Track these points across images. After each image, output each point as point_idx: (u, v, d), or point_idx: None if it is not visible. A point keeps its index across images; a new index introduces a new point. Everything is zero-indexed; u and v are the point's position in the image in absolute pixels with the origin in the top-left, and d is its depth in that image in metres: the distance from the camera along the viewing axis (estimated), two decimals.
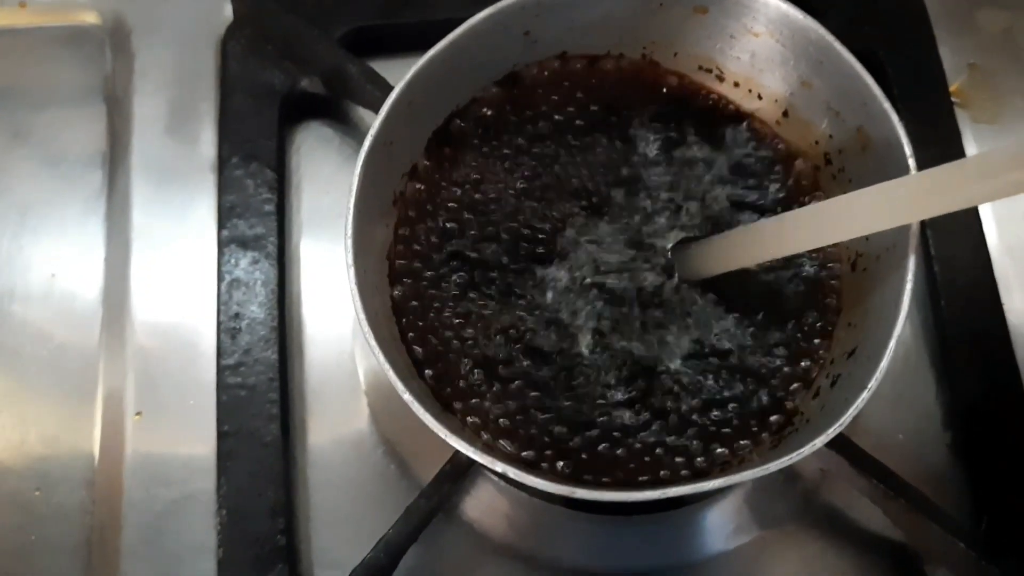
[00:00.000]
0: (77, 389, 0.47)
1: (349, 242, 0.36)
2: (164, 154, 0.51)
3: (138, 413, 0.46)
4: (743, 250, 0.39)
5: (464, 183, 0.42)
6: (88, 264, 0.49)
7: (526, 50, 0.42)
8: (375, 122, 0.37)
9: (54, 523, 0.45)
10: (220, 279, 0.46)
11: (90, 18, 0.53)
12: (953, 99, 0.51)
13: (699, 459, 0.38)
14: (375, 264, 0.40)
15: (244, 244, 0.47)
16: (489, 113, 0.43)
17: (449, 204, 0.42)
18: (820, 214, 0.36)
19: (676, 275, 0.41)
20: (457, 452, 0.42)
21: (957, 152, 0.49)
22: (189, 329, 0.48)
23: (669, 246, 0.41)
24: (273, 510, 0.43)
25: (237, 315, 0.46)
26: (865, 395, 0.34)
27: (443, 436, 0.34)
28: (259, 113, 0.49)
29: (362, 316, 0.35)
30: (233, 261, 0.47)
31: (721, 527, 0.45)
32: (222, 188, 0.48)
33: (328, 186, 0.51)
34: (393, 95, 0.38)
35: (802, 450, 0.34)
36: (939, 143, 0.49)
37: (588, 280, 0.41)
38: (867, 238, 0.39)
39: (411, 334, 0.40)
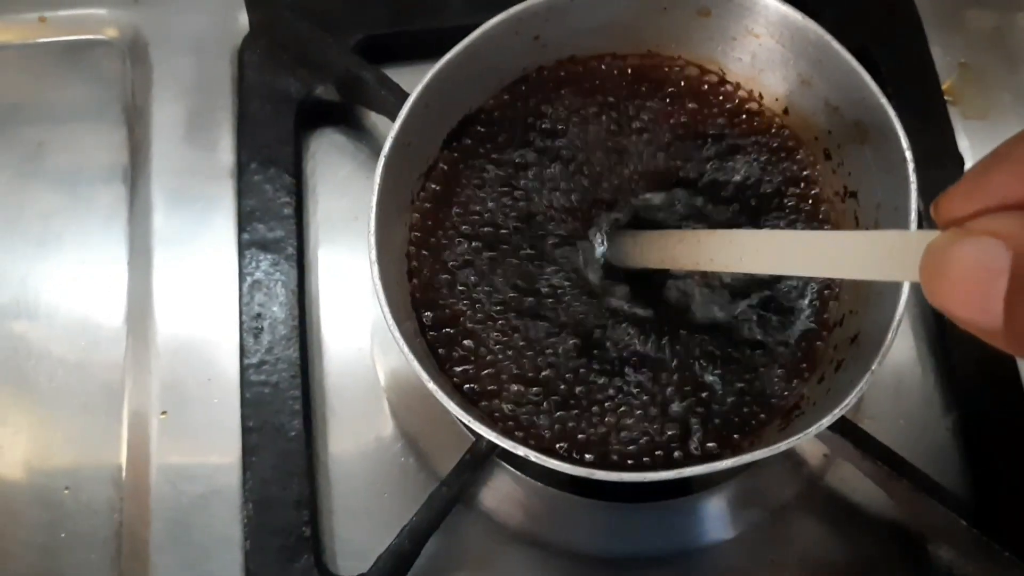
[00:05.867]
0: (104, 390, 0.48)
1: (372, 239, 0.37)
2: (184, 161, 0.52)
3: (164, 412, 0.48)
4: (662, 252, 0.39)
5: (477, 183, 0.43)
6: (112, 269, 0.50)
7: (536, 53, 0.43)
8: (395, 123, 0.39)
9: (83, 520, 0.46)
10: (242, 281, 0.48)
11: (109, 31, 0.55)
12: (945, 96, 0.52)
13: (710, 444, 0.40)
14: (395, 261, 0.41)
15: (264, 247, 0.48)
16: (500, 115, 0.44)
17: (463, 203, 0.43)
18: (742, 240, 0.35)
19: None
20: (476, 442, 0.44)
21: (950, 147, 0.51)
22: (212, 330, 0.49)
23: (604, 230, 0.43)
24: (297, 502, 0.44)
25: (259, 315, 0.47)
26: (868, 376, 0.35)
27: (467, 422, 0.35)
28: (276, 120, 0.50)
29: (387, 310, 0.37)
30: (254, 264, 0.48)
31: (729, 512, 0.47)
32: (241, 193, 0.49)
33: (343, 190, 0.52)
34: (412, 97, 0.39)
35: (809, 430, 0.35)
36: (932, 138, 0.50)
37: (598, 274, 0.42)
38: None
39: (429, 328, 0.41)
